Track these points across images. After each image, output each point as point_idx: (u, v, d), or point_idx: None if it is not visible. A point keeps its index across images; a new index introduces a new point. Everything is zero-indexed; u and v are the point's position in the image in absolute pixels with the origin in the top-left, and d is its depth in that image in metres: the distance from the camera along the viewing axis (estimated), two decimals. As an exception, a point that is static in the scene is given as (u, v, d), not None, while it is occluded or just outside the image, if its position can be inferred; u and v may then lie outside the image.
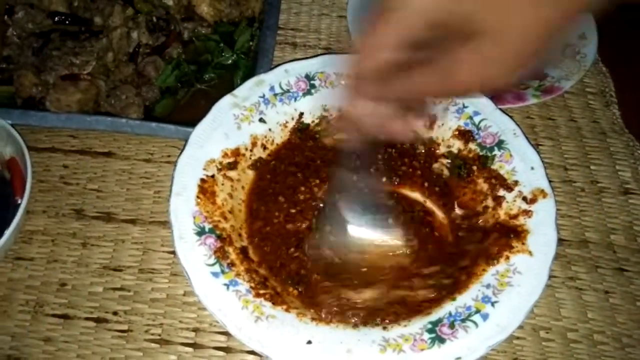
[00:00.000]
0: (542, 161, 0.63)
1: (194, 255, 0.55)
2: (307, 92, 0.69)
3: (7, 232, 0.57)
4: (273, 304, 0.54)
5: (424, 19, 0.39)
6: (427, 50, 0.40)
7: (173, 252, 0.62)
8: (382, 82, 0.42)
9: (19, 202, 0.61)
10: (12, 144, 0.63)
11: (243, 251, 0.57)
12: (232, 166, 0.63)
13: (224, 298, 0.53)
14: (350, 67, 0.43)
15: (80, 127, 0.66)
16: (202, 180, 0.60)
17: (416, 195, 0.65)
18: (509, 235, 0.58)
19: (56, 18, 0.73)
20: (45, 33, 0.71)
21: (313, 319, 0.53)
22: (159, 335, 0.57)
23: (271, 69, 0.71)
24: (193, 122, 0.64)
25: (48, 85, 0.67)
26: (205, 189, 0.60)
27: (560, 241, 0.65)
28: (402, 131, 0.47)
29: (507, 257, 0.57)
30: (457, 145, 0.67)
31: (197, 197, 0.59)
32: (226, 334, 0.57)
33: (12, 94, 0.68)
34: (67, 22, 0.73)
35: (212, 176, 0.61)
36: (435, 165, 0.67)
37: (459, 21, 0.38)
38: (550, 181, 0.62)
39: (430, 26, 0.39)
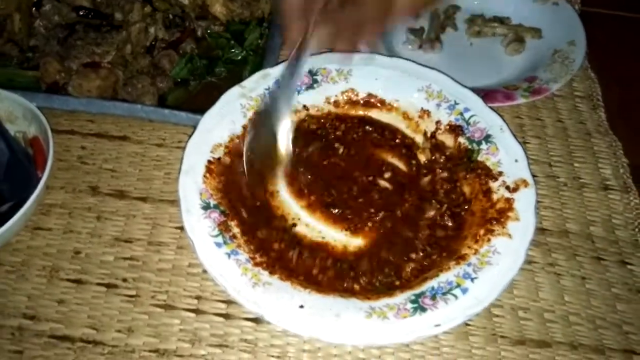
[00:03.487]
0: (527, 155, 0.67)
1: (200, 227, 0.60)
2: (310, 87, 0.74)
3: (28, 203, 0.62)
4: (270, 273, 0.58)
5: None
6: None
7: (180, 228, 0.67)
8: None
9: (40, 176, 0.66)
10: (36, 124, 0.69)
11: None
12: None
13: (225, 265, 0.57)
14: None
15: (99, 111, 0.72)
16: (209, 161, 0.65)
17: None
18: (491, 221, 0.63)
19: (80, 12, 0.79)
20: (70, 25, 0.77)
21: (305, 287, 0.58)
22: (164, 301, 0.62)
23: (277, 64, 0.76)
24: (203, 111, 0.69)
25: (71, 72, 0.73)
26: (212, 170, 0.65)
27: (542, 230, 0.69)
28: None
29: (489, 240, 0.61)
30: (447, 138, 0.71)
31: (204, 176, 0.64)
32: (226, 302, 0.62)
33: (37, 79, 0.74)
34: (90, 16, 0.79)
35: (219, 159, 0.66)
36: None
37: None
38: (534, 175, 0.66)
39: None
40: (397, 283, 0.61)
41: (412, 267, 0.62)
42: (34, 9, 0.79)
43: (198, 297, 0.62)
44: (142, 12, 0.80)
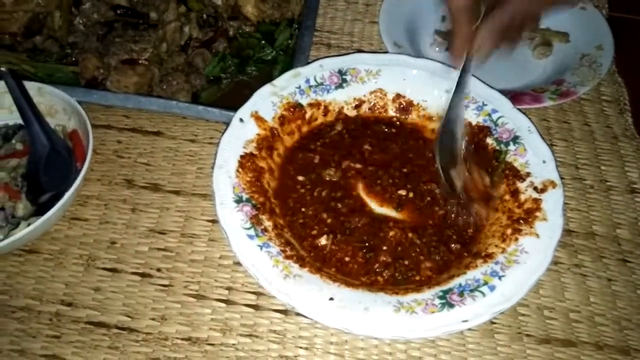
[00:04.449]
0: (554, 156, 0.68)
1: (233, 219, 0.61)
2: (339, 86, 0.76)
3: (67, 194, 0.65)
4: (300, 266, 0.60)
5: None
6: None
7: (212, 221, 0.69)
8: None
9: (79, 169, 0.68)
10: (75, 118, 0.71)
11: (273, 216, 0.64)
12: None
13: (257, 256, 0.59)
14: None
15: (136, 106, 0.74)
16: (242, 156, 0.67)
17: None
18: (519, 220, 0.64)
19: (118, 11, 0.82)
20: (109, 22, 0.79)
21: (334, 280, 0.59)
22: (196, 291, 0.64)
23: (307, 64, 0.78)
24: (235, 108, 0.71)
25: (110, 68, 0.75)
26: (244, 164, 0.67)
27: (569, 232, 0.70)
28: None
29: (517, 239, 0.62)
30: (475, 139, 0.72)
31: (237, 170, 0.66)
32: (256, 293, 0.64)
33: (76, 74, 0.77)
34: (127, 14, 0.82)
35: (251, 154, 0.68)
36: None
37: None
38: (561, 177, 0.67)
39: None
40: (417, 278, 0.62)
41: (429, 265, 0.63)
42: (73, 7, 0.81)
43: (229, 288, 0.64)
44: (177, 11, 0.83)
